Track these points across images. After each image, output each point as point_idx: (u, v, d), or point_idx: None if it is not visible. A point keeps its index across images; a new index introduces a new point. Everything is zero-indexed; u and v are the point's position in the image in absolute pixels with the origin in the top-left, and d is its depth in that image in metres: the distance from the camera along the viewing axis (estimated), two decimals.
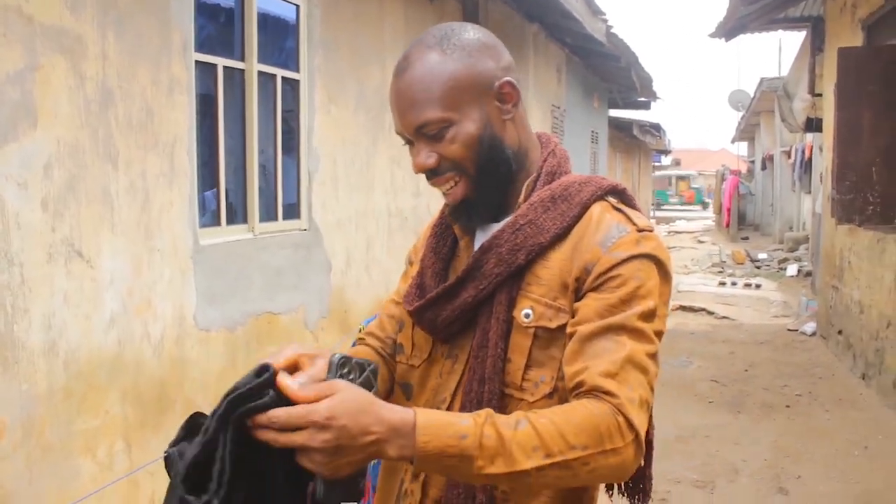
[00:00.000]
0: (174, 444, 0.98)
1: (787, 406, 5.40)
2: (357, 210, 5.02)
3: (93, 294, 2.82)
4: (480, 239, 1.20)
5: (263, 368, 0.92)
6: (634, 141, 22.70)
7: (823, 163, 8.07)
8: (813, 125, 8.56)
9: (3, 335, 2.46)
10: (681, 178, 41.66)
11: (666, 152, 31.97)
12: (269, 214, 4.19)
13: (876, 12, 5.91)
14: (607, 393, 1.00)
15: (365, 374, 1.01)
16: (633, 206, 1.20)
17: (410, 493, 1.18)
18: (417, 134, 1.13)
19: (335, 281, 4.73)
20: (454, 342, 1.19)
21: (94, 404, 2.82)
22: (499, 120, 1.15)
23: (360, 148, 5.04)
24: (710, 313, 9.03)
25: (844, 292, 6.67)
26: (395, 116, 1.15)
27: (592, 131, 13.49)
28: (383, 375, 1.26)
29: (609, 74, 12.85)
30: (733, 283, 11.49)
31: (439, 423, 0.93)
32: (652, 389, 1.05)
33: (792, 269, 12.48)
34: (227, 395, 0.90)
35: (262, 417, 0.89)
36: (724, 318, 8.85)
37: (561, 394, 1.09)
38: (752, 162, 26.37)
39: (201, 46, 3.52)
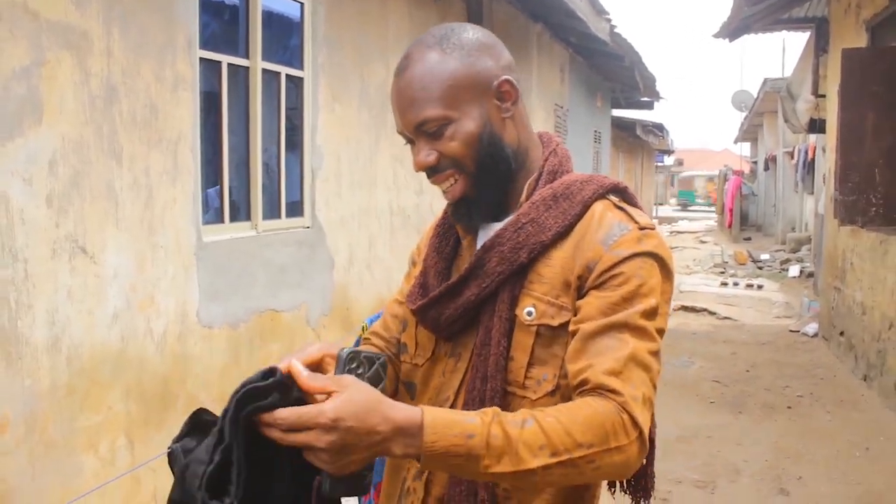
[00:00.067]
0: (177, 440, 0.98)
1: (789, 407, 5.40)
2: (360, 208, 5.02)
3: (96, 290, 2.83)
4: (483, 238, 1.20)
5: (270, 372, 0.93)
6: (637, 141, 22.68)
7: (826, 164, 8.06)
8: (816, 126, 8.55)
9: (7, 330, 2.47)
10: (709, 179, 41.24)
11: (669, 152, 31.95)
12: (272, 212, 4.19)
13: (880, 13, 5.90)
14: (612, 391, 1.00)
15: (374, 367, 1.01)
16: (635, 205, 1.20)
17: (413, 491, 1.18)
18: (417, 132, 1.14)
19: (337, 278, 4.73)
20: (457, 341, 1.20)
21: (96, 400, 2.82)
22: (498, 118, 1.15)
23: (363, 146, 5.05)
24: (712, 314, 9.02)
25: (846, 293, 6.66)
26: (396, 115, 1.16)
27: (595, 131, 13.49)
28: (389, 373, 1.26)
29: (612, 74, 12.85)
30: (735, 284, 11.49)
31: (446, 422, 0.93)
32: (654, 387, 1.06)
33: (794, 270, 12.47)
34: (236, 393, 0.91)
35: (269, 417, 0.89)
36: (725, 318, 8.85)
37: (563, 391, 1.10)
38: (755, 162, 26.34)
39: (206, 44, 3.52)
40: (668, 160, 37.30)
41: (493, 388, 1.11)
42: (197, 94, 3.37)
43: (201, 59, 3.44)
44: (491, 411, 0.97)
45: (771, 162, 20.06)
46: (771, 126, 19.58)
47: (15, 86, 2.48)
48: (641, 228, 1.13)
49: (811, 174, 12.40)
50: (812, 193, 12.56)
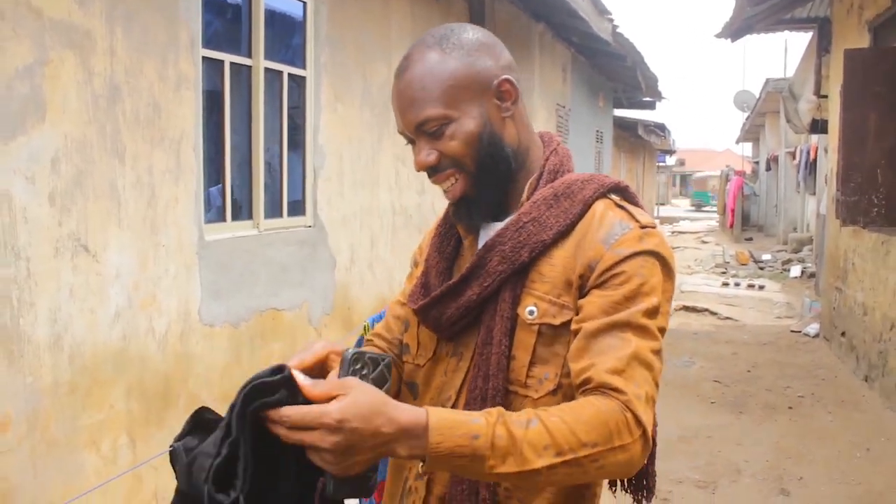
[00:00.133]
0: (179, 438, 0.98)
1: (790, 407, 5.40)
2: (362, 207, 5.03)
3: (98, 288, 2.83)
4: (484, 238, 1.20)
5: (279, 368, 0.93)
6: (639, 141, 22.68)
7: (828, 164, 8.06)
8: (818, 126, 8.55)
9: (9, 329, 2.47)
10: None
11: (670, 152, 31.97)
12: (274, 211, 4.20)
13: (883, 14, 5.90)
14: (615, 389, 1.00)
15: (379, 368, 1.01)
16: (636, 204, 1.20)
17: (415, 490, 1.19)
18: (418, 132, 1.14)
19: (339, 278, 4.74)
20: (459, 340, 1.20)
21: (98, 398, 2.83)
22: (498, 118, 1.16)
23: (365, 145, 5.05)
24: (714, 314, 9.02)
25: (848, 294, 6.66)
26: (397, 115, 1.16)
27: (597, 131, 13.48)
28: (393, 374, 1.26)
29: (614, 74, 12.84)
30: (737, 284, 11.48)
31: (451, 423, 0.93)
32: (657, 385, 1.06)
33: (795, 271, 12.47)
34: (244, 387, 0.90)
35: (275, 413, 0.90)
36: (727, 318, 8.85)
37: (565, 390, 1.10)
38: (757, 163, 26.32)
39: (208, 43, 3.53)
40: (670, 160, 37.30)
41: (494, 388, 1.11)
42: (199, 93, 3.37)
43: (204, 58, 3.45)
44: (496, 411, 0.96)
45: (773, 162, 20.05)
46: (773, 126, 19.57)
47: (18, 85, 2.49)
48: (643, 227, 1.13)
49: (813, 174, 12.39)
50: (814, 194, 12.55)
